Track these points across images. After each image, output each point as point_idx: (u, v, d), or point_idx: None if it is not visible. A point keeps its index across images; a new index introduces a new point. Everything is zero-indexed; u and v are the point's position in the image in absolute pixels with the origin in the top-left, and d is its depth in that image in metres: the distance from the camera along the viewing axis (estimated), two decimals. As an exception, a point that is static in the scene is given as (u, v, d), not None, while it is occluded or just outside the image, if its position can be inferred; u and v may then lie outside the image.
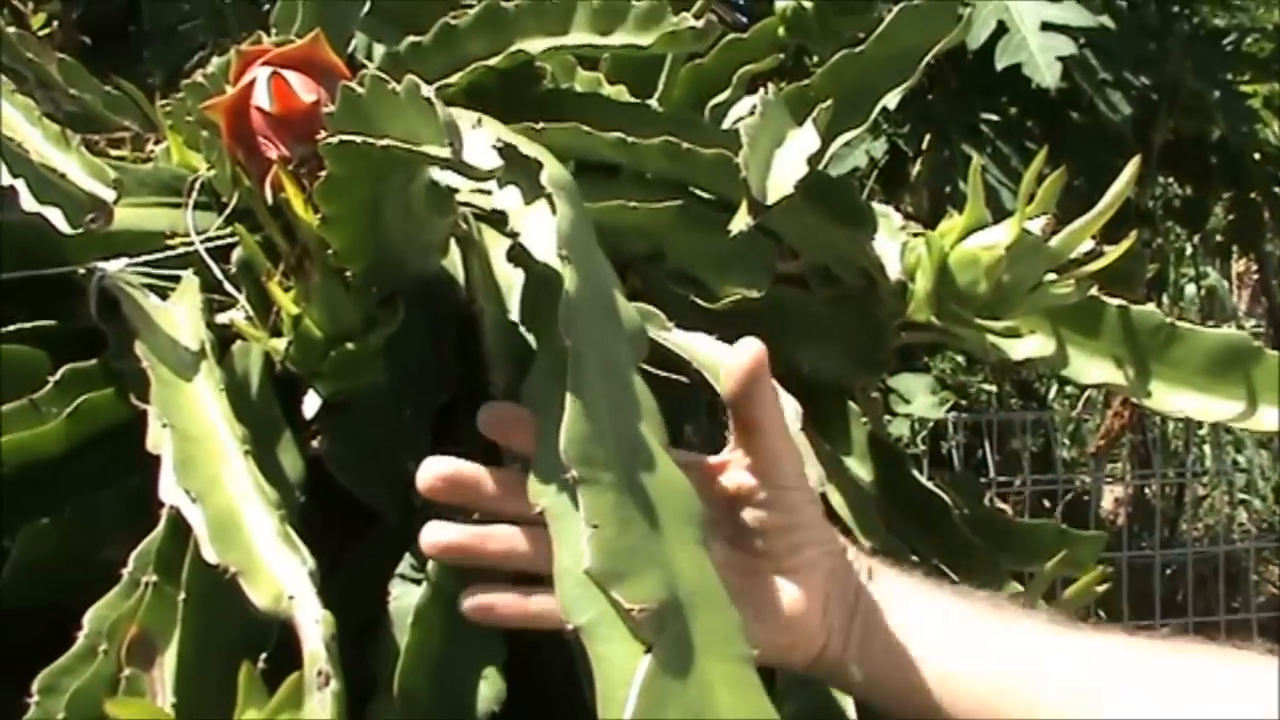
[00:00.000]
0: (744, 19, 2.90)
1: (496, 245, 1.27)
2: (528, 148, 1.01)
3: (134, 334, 1.13)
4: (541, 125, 1.28)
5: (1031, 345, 1.36)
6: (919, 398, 3.59)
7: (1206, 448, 5.07)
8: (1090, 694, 1.05)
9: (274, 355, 1.15)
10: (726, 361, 1.10)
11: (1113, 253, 1.27)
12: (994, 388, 4.48)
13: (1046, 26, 2.57)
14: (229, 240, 1.22)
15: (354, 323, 1.13)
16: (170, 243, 1.23)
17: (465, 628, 1.09)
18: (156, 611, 1.01)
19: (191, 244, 1.22)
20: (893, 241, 1.38)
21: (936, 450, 4.09)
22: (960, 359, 4.29)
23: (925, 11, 1.40)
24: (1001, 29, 2.60)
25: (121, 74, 1.63)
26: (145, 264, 1.21)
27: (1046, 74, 2.53)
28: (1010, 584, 1.46)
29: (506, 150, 0.99)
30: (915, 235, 1.36)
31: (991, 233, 1.29)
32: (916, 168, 3.11)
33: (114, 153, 1.40)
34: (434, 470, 1.08)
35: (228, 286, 1.20)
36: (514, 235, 1.12)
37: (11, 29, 1.60)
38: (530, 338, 1.16)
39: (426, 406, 1.23)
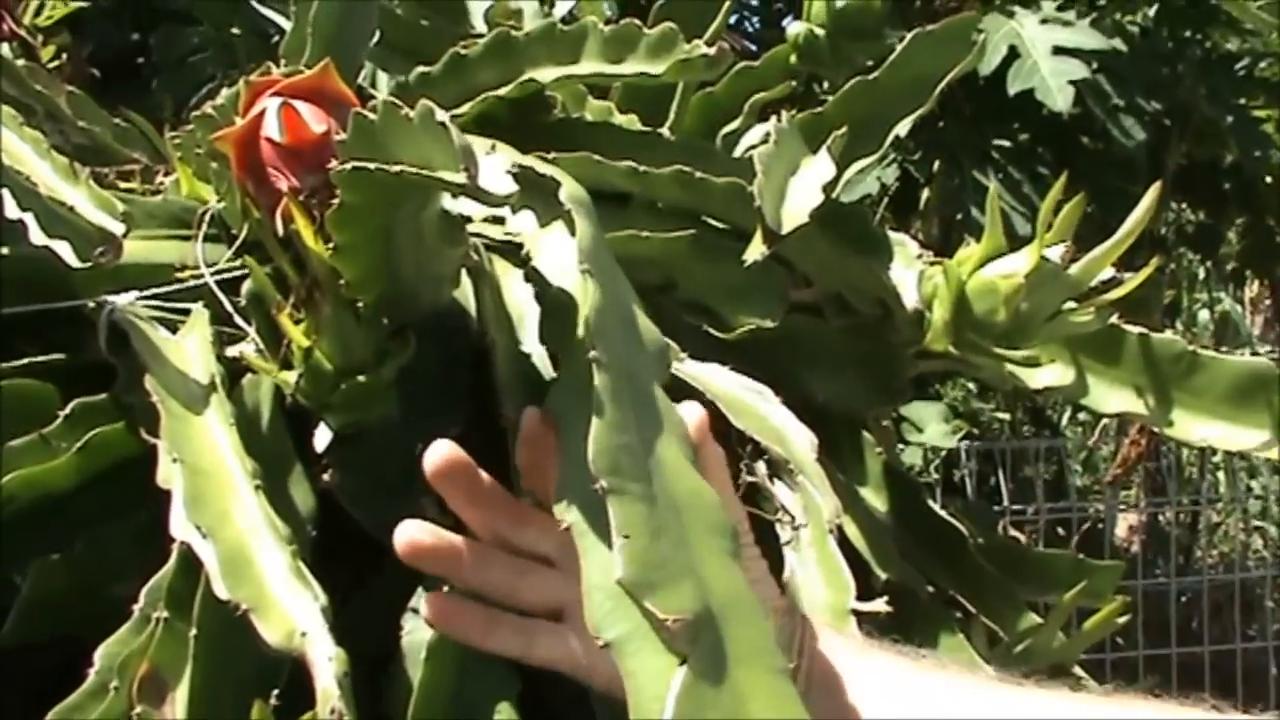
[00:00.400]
0: (754, 47, 2.90)
1: (508, 276, 1.27)
2: (544, 168, 1.01)
3: (144, 368, 1.12)
4: (553, 155, 1.27)
5: (1051, 375, 1.35)
6: (931, 426, 3.58)
7: (1220, 474, 5.06)
8: None
9: (285, 388, 1.14)
10: None
11: (1132, 280, 1.26)
12: (1007, 415, 4.47)
13: (1059, 51, 2.57)
14: (239, 272, 1.21)
15: (365, 355, 1.12)
16: (180, 275, 1.23)
17: (479, 663, 1.08)
18: (168, 648, 1.00)
19: (201, 276, 1.22)
20: (909, 270, 1.37)
21: (949, 478, 4.08)
22: (971, 386, 4.28)
23: (939, 38, 1.39)
24: (1013, 54, 2.59)
25: (131, 107, 1.63)
26: (155, 297, 1.20)
27: (1059, 98, 2.52)
28: (1027, 615, 1.44)
29: (522, 174, 0.98)
30: (932, 264, 1.35)
31: (1010, 261, 1.28)
32: (925, 194, 3.10)
33: (123, 185, 1.40)
34: (407, 535, 1.09)
35: (238, 319, 1.19)
36: (528, 259, 1.11)
37: (20, 61, 1.60)
38: (543, 366, 1.15)
39: (439, 439, 1.22)
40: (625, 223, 1.32)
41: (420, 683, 1.07)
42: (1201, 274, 5.29)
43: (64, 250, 1.11)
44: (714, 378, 1.17)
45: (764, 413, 1.18)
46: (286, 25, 1.42)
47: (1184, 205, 3.70)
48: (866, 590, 1.22)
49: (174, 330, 1.19)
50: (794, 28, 1.60)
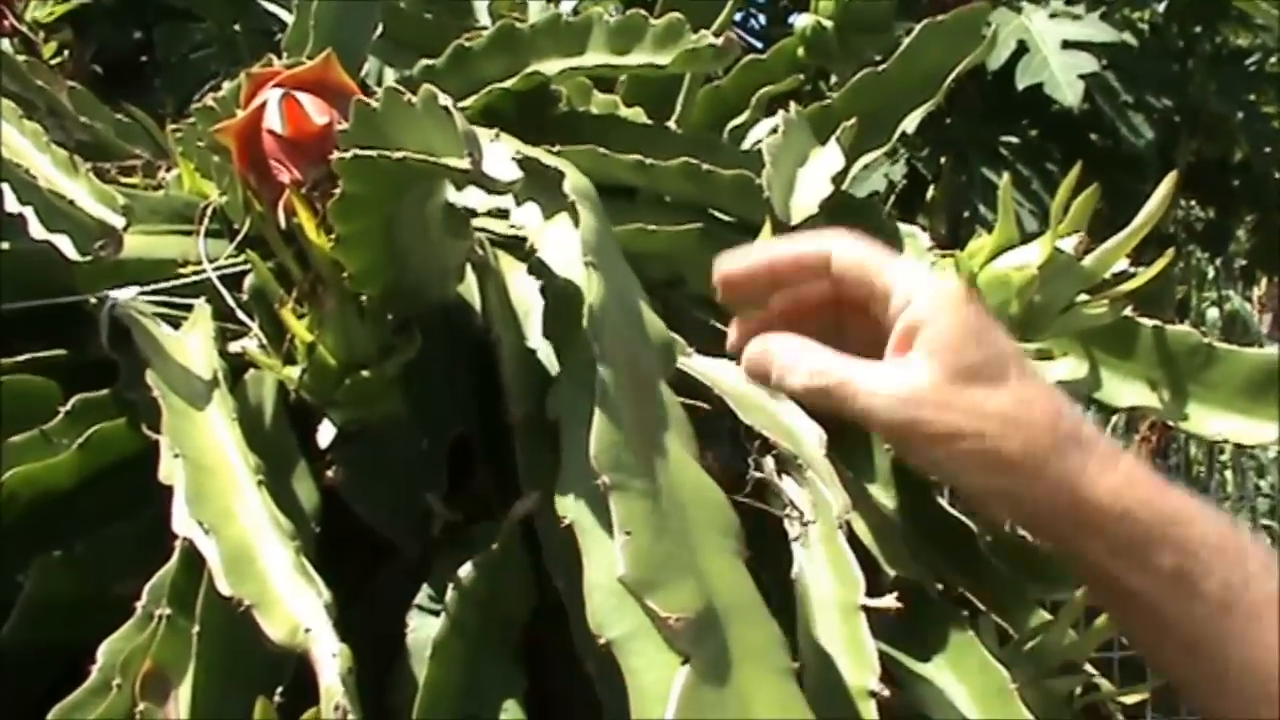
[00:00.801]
0: (759, 45, 2.89)
1: (513, 271, 1.26)
2: (549, 159, 1.00)
3: (145, 363, 1.12)
4: (558, 148, 1.26)
5: (1064, 368, 1.33)
6: (939, 425, 3.56)
7: (1229, 473, 5.04)
8: None
9: (288, 384, 1.14)
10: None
11: (1145, 273, 1.25)
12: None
13: (1068, 45, 2.55)
14: (242, 267, 1.20)
15: (369, 350, 1.12)
16: (182, 271, 1.22)
17: (485, 660, 1.07)
18: (171, 645, 0.99)
19: (203, 271, 1.21)
20: (920, 263, 1.36)
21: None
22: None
23: (948, 29, 1.38)
24: (1022, 49, 2.57)
25: (134, 105, 1.62)
26: (157, 292, 1.20)
27: (1068, 93, 2.50)
28: (1037, 612, 1.43)
29: (526, 162, 0.97)
30: (943, 256, 1.34)
31: (1022, 252, 1.27)
32: (931, 191, 3.09)
33: (125, 181, 1.39)
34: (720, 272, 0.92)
35: (240, 314, 1.19)
36: (533, 252, 1.10)
37: (22, 58, 1.59)
38: (549, 362, 1.14)
39: (443, 436, 1.21)
40: (632, 216, 1.31)
41: (426, 680, 1.06)
42: (1210, 272, 5.28)
43: (64, 244, 1.10)
44: (722, 374, 1.16)
45: (772, 409, 1.17)
46: (289, 20, 1.41)
47: (1193, 203, 3.68)
48: (875, 587, 1.20)
49: (176, 326, 1.19)
50: (801, 21, 1.59)
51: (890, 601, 1.12)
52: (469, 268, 1.24)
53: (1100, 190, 1.27)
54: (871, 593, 1.16)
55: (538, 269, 1.11)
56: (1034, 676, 1.31)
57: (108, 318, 1.17)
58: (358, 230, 1.04)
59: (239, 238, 1.23)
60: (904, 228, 1.41)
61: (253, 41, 2.31)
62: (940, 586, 1.40)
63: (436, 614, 1.10)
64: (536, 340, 1.18)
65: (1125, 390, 1.34)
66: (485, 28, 1.40)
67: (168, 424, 1.05)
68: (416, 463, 1.18)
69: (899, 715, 1.14)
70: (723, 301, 0.93)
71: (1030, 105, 2.67)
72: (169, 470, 1.01)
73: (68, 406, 1.13)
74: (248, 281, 1.19)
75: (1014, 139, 2.90)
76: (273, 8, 2.08)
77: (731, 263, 0.91)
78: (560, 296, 1.08)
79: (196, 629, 0.99)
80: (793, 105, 1.31)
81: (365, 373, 1.11)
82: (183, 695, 0.98)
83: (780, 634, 0.93)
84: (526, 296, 1.22)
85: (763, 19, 3.38)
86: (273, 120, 1.16)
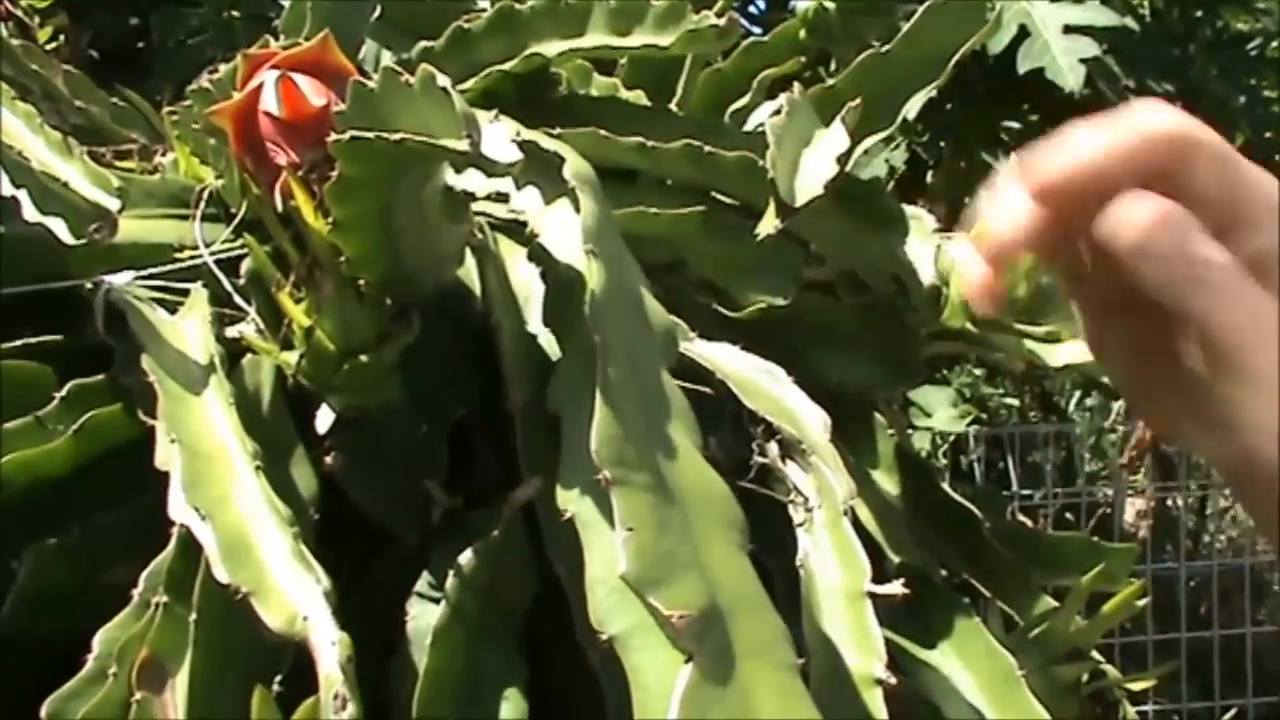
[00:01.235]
0: (759, 30, 2.88)
1: (513, 255, 1.25)
2: (549, 143, 0.98)
3: (141, 348, 1.11)
4: (558, 131, 1.25)
5: (1072, 351, 1.32)
6: (940, 411, 3.56)
7: (1229, 459, 5.04)
8: None
9: (285, 369, 1.12)
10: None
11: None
12: (1015, 401, 4.45)
13: (1069, 29, 2.54)
14: (238, 251, 1.19)
15: (368, 335, 1.11)
16: (178, 255, 1.21)
17: (485, 648, 1.07)
18: (168, 633, 0.99)
19: (200, 256, 1.20)
20: (925, 245, 1.34)
21: (957, 464, 4.06)
22: (979, 371, 4.26)
23: (952, 10, 1.37)
24: (1023, 34, 2.57)
25: (131, 91, 1.61)
26: (153, 277, 1.19)
27: (1070, 77, 2.50)
28: (1043, 599, 1.42)
29: (526, 145, 0.96)
30: (949, 238, 1.33)
31: (1031, 232, 1.25)
32: (930, 177, 3.08)
33: (121, 165, 1.38)
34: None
35: (237, 299, 1.18)
36: (533, 236, 1.08)
37: (17, 42, 1.58)
38: (550, 348, 1.13)
39: (443, 421, 1.20)
40: (633, 199, 1.30)
41: (426, 668, 1.05)
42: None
43: (58, 227, 1.09)
44: (725, 358, 1.15)
45: (776, 393, 1.16)
46: (286, 4, 1.40)
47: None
48: (879, 574, 1.20)
49: (172, 311, 1.18)
50: (804, 2, 1.57)
51: (897, 588, 1.11)
52: (468, 252, 1.23)
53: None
54: (876, 580, 1.15)
55: (538, 255, 1.10)
56: (1041, 663, 1.30)
57: (103, 302, 1.16)
58: (356, 214, 1.03)
59: (235, 221, 1.22)
60: (909, 209, 1.39)
61: (250, 27, 2.31)
62: (944, 573, 1.40)
63: (437, 601, 1.09)
64: (537, 325, 1.17)
65: (1134, 373, 1.33)
66: (484, 9, 1.39)
67: (164, 409, 1.04)
68: (416, 449, 1.18)
69: (905, 703, 1.13)
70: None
71: (1031, 89, 2.67)
72: (165, 456, 1.00)
73: (62, 392, 1.12)
74: (244, 266, 1.18)
75: (1015, 123, 2.89)
76: (269, -9, 2.07)
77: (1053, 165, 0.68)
78: (561, 284, 1.07)
79: (194, 617, 0.98)
80: (796, 86, 1.30)
81: (364, 358, 1.10)
82: (180, 684, 0.97)
83: (785, 629, 0.92)
84: (526, 281, 1.21)
85: (762, 3, 3.38)
86: (269, 102, 1.15)
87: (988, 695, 1.22)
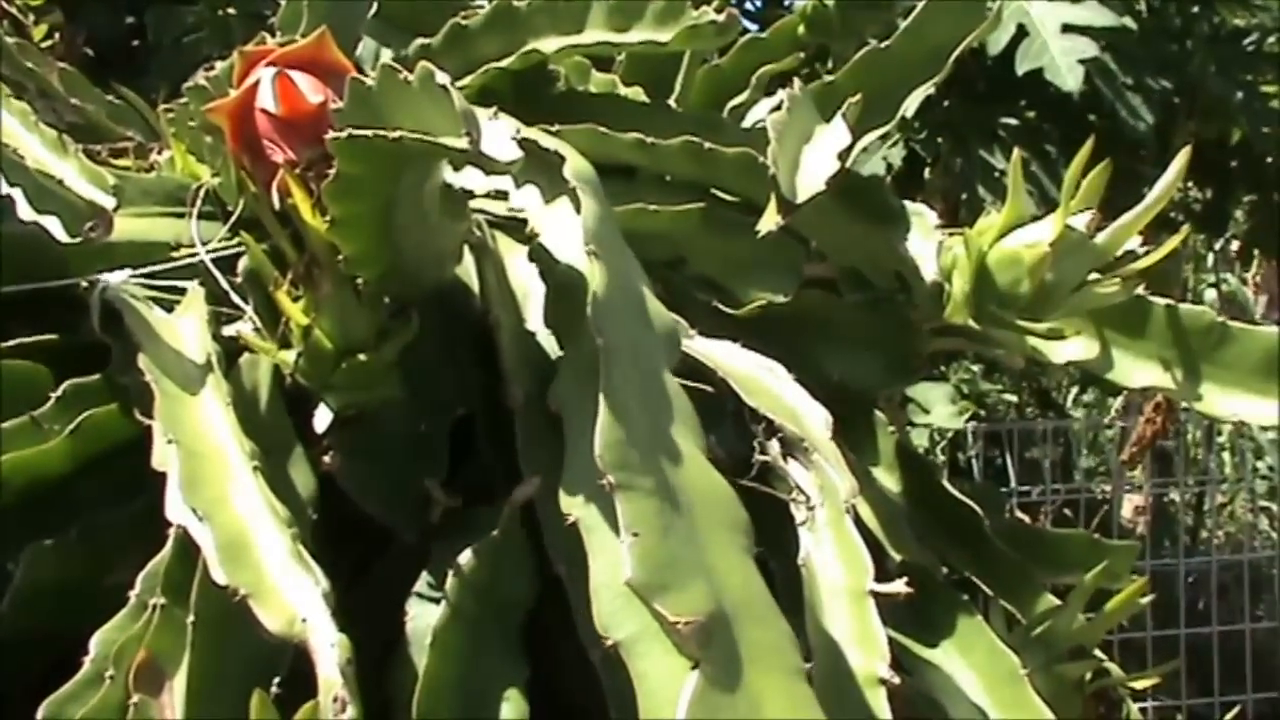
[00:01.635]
0: (755, 27, 2.88)
1: (512, 253, 1.24)
2: (548, 141, 0.98)
3: (138, 348, 1.10)
4: (557, 128, 1.24)
5: (1075, 348, 1.31)
6: (938, 407, 3.56)
7: (1226, 455, 5.04)
8: None
9: (283, 368, 1.12)
10: None
11: (1157, 252, 1.23)
12: (1014, 397, 4.46)
13: (1068, 29, 2.54)
14: (235, 250, 1.19)
15: (366, 333, 1.10)
16: (175, 254, 1.21)
17: (485, 649, 1.06)
18: (165, 635, 0.98)
19: (197, 254, 1.19)
20: (927, 241, 1.34)
21: (955, 460, 4.07)
22: (977, 368, 4.26)
23: (953, 6, 1.37)
24: (1022, 33, 2.56)
25: (127, 88, 1.61)
26: (149, 275, 1.18)
27: (1069, 78, 2.49)
28: (1045, 596, 1.42)
29: (526, 143, 0.96)
30: (951, 234, 1.32)
31: (1033, 230, 1.25)
32: (927, 174, 3.08)
33: (117, 163, 1.38)
34: None
35: (235, 298, 1.17)
36: (534, 236, 1.08)
37: (12, 40, 1.57)
38: (549, 346, 1.13)
39: (443, 420, 1.20)
40: (633, 196, 1.30)
41: (425, 669, 1.04)
42: (1209, 255, 5.27)
43: (53, 225, 1.09)
44: (726, 356, 1.15)
45: (778, 391, 1.16)
46: (283, 1, 1.40)
47: (1190, 184, 3.68)
48: (881, 572, 1.19)
49: (169, 310, 1.17)
50: (802, -1, 1.57)
51: (900, 587, 1.11)
52: (467, 249, 1.22)
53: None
54: (878, 578, 1.15)
55: (538, 255, 1.10)
56: (1044, 662, 1.30)
57: (99, 301, 1.15)
58: (354, 212, 1.03)
59: (233, 220, 1.22)
60: (911, 205, 1.39)
61: (246, 24, 2.31)
62: (945, 571, 1.39)
63: (436, 602, 1.08)
64: (536, 323, 1.17)
65: (1138, 370, 1.33)
66: (481, 6, 1.38)
67: (161, 409, 1.04)
68: (415, 447, 1.17)
69: (909, 702, 1.13)
70: None
71: (1029, 87, 2.66)
72: (162, 456, 1.00)
73: (59, 392, 1.12)
74: (242, 264, 1.18)
75: (1012, 120, 2.89)
76: (265, -12, 2.07)
77: None
78: (562, 284, 1.07)
79: (191, 619, 0.97)
80: (796, 82, 1.29)
81: (362, 356, 1.10)
82: (177, 686, 0.97)
83: (791, 632, 0.92)
84: (526, 279, 1.21)
85: (759, 0, 3.37)
86: (266, 99, 1.14)
87: (991, 695, 1.22)
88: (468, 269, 1.25)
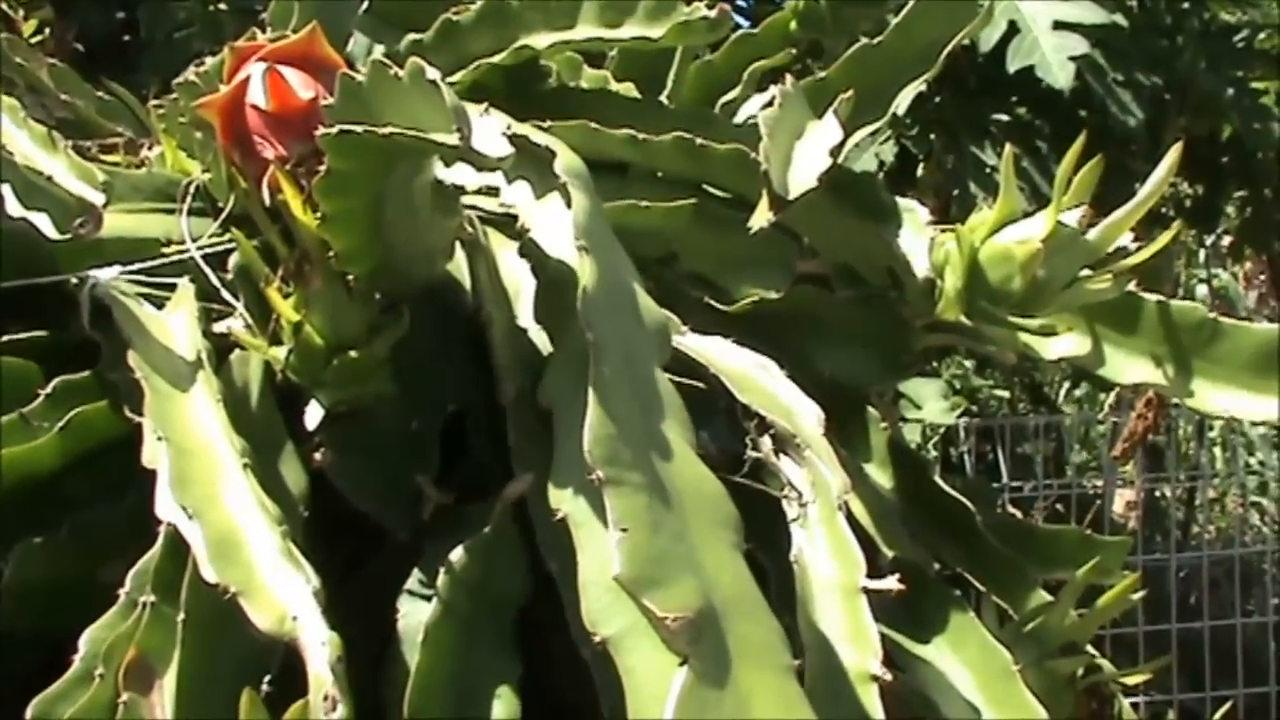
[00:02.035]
0: (746, 22, 2.87)
1: (503, 249, 1.24)
2: (539, 137, 0.98)
3: (128, 344, 1.10)
4: (549, 124, 1.24)
5: (1067, 344, 1.31)
6: (930, 403, 3.56)
7: (1217, 450, 5.05)
8: None
9: (274, 364, 1.12)
10: None
11: (1149, 248, 1.23)
12: (1005, 393, 4.46)
13: (1059, 26, 2.54)
14: (226, 246, 1.19)
15: (357, 330, 1.10)
16: (165, 250, 1.20)
17: (477, 646, 1.06)
18: (155, 633, 0.98)
19: (187, 250, 1.19)
20: (919, 238, 1.34)
21: (947, 456, 4.07)
22: (969, 363, 4.27)
23: (945, 3, 1.37)
24: (1013, 30, 2.56)
25: (118, 84, 1.61)
26: (139, 272, 1.18)
27: (1060, 75, 2.50)
28: (1037, 592, 1.42)
29: (517, 139, 0.95)
30: (944, 230, 1.32)
31: (1025, 226, 1.25)
32: (919, 170, 3.08)
33: (106, 159, 1.38)
34: None
35: (225, 294, 1.17)
36: (524, 232, 1.08)
37: (2, 35, 1.57)
38: (541, 342, 1.13)
39: (435, 416, 1.19)
40: (624, 193, 1.30)
41: (417, 667, 1.04)
42: (1202, 255, 5.29)
43: (42, 222, 1.08)
44: (717, 352, 1.14)
45: (770, 387, 1.15)
46: (274, -1, 1.40)
47: (1181, 179, 3.68)
48: (874, 568, 1.19)
49: (159, 306, 1.17)
50: (793, -4, 1.57)
51: (892, 583, 1.11)
52: (458, 246, 1.22)
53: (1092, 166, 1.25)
54: (870, 574, 1.15)
55: (529, 250, 1.10)
56: (1037, 658, 1.30)
57: (89, 298, 1.15)
58: (344, 208, 1.02)
59: (223, 216, 1.22)
60: (903, 202, 1.39)
61: (237, 20, 2.31)
62: (938, 567, 1.39)
63: (428, 599, 1.08)
64: (527, 319, 1.17)
65: (1129, 366, 1.32)
66: (473, 2, 1.38)
67: (151, 406, 1.03)
68: (406, 444, 1.17)
69: (901, 698, 1.13)
70: None
71: (1020, 83, 2.66)
72: (152, 453, 1.00)
73: (48, 389, 1.12)
74: (232, 260, 1.17)
75: (1004, 117, 2.89)
76: (256, -15, 2.06)
77: None
78: (552, 280, 1.07)
79: (181, 616, 0.97)
80: (788, 78, 1.29)
81: (353, 353, 1.10)
82: (167, 685, 0.97)
83: (780, 629, 0.92)
84: (517, 274, 1.21)
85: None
86: (256, 95, 1.14)
87: (984, 691, 1.21)
88: (459, 265, 1.25)
